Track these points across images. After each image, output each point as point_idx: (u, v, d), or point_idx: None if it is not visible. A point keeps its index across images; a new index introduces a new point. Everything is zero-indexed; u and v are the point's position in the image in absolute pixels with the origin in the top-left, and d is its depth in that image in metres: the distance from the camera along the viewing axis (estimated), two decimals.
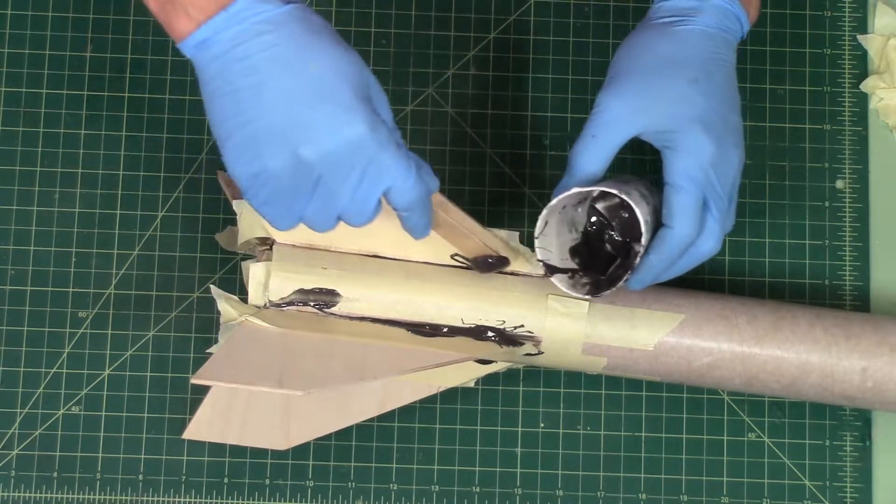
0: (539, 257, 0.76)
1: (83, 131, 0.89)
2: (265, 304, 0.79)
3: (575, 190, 0.73)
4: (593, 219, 0.78)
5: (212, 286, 0.81)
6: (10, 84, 0.90)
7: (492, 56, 0.91)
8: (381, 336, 0.78)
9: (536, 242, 0.75)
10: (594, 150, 0.73)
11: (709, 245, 0.74)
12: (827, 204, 0.90)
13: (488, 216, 0.88)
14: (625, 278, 0.74)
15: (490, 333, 0.79)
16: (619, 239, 0.77)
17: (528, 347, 0.79)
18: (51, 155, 0.89)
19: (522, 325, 0.79)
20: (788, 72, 0.91)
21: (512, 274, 0.80)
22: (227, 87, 0.66)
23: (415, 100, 0.90)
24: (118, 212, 0.88)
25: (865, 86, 0.90)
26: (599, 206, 0.78)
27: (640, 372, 0.80)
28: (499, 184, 0.89)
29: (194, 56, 0.66)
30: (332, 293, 0.78)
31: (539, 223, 0.75)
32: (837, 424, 0.87)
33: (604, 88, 0.74)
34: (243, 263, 0.81)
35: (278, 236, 0.79)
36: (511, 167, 0.89)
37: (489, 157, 0.90)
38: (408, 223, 0.71)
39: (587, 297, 0.76)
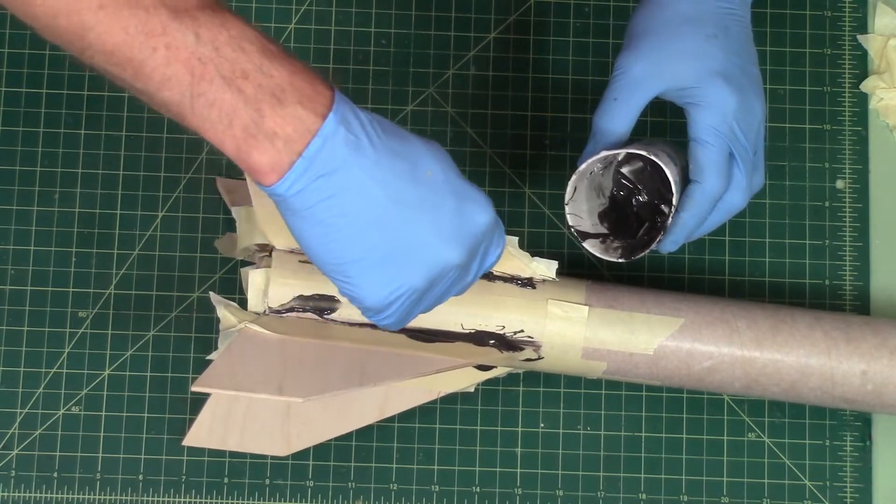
0: (570, 223, 0.76)
1: (83, 131, 0.89)
2: (265, 311, 0.79)
3: (603, 153, 0.73)
4: (620, 183, 0.78)
5: (211, 293, 0.81)
6: (10, 84, 0.89)
7: (492, 56, 0.90)
8: (380, 342, 0.78)
9: (567, 209, 0.75)
10: (617, 113, 0.73)
11: (737, 198, 0.75)
12: (827, 204, 0.89)
13: None
14: (658, 239, 0.74)
15: (490, 339, 0.79)
16: (647, 202, 0.77)
17: (527, 352, 0.79)
18: (51, 155, 0.89)
19: (522, 331, 0.79)
20: (788, 72, 0.91)
21: (512, 279, 0.80)
22: (336, 209, 0.61)
23: (415, 100, 0.90)
24: (118, 212, 0.88)
25: (865, 86, 0.90)
26: (625, 170, 0.78)
27: (640, 376, 0.80)
28: (499, 184, 0.89)
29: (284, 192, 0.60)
30: (332, 299, 0.78)
31: (568, 189, 0.75)
32: (837, 424, 0.87)
33: (622, 51, 0.74)
34: (242, 270, 0.81)
35: (278, 243, 0.79)
36: (511, 167, 0.89)
37: (489, 157, 0.89)
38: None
39: (620, 260, 0.75)
